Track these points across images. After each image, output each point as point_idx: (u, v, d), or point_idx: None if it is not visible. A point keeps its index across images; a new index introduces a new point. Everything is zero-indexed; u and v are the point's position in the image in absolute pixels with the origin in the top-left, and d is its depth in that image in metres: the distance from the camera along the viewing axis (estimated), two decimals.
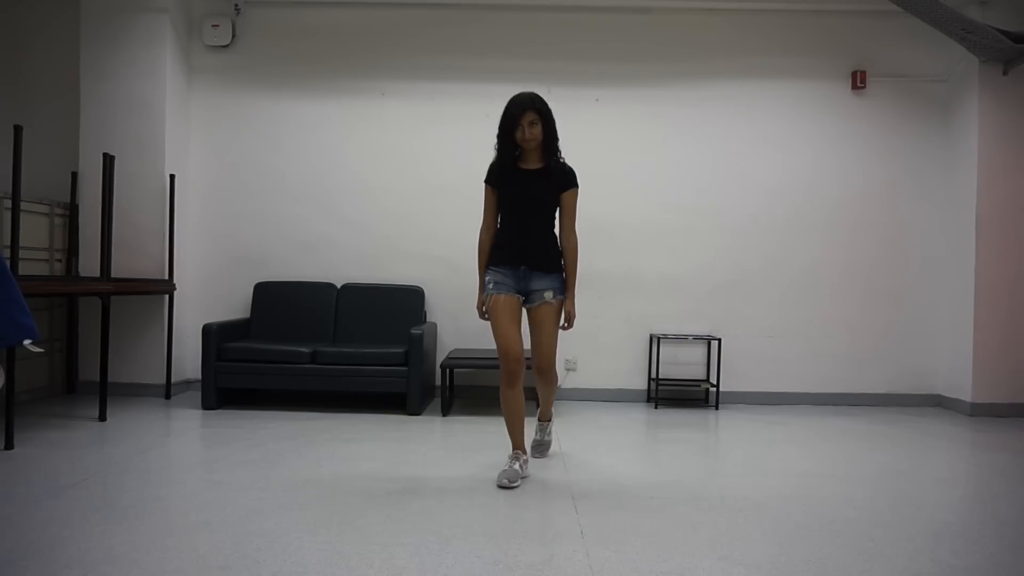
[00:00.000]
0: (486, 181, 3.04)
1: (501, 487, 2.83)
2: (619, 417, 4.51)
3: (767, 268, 5.09)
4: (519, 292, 3.00)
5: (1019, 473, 3.29)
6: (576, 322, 3.12)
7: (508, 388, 2.95)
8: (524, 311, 3.07)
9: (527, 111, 2.87)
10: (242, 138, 5.11)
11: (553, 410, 3.44)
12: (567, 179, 3.01)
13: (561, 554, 2.16)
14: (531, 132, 2.89)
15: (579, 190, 3.04)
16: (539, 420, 3.40)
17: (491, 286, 2.98)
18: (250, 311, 4.95)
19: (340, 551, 2.14)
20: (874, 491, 2.93)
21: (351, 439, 3.69)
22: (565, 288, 3.03)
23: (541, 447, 3.38)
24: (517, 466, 2.95)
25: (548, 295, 2.98)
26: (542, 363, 3.04)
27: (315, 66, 5.09)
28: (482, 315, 3.05)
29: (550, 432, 3.42)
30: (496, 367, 4.37)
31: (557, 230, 3.07)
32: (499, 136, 2.95)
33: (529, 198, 2.96)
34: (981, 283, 4.75)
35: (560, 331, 3.07)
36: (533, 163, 2.99)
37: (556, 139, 2.98)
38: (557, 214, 3.05)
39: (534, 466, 3.18)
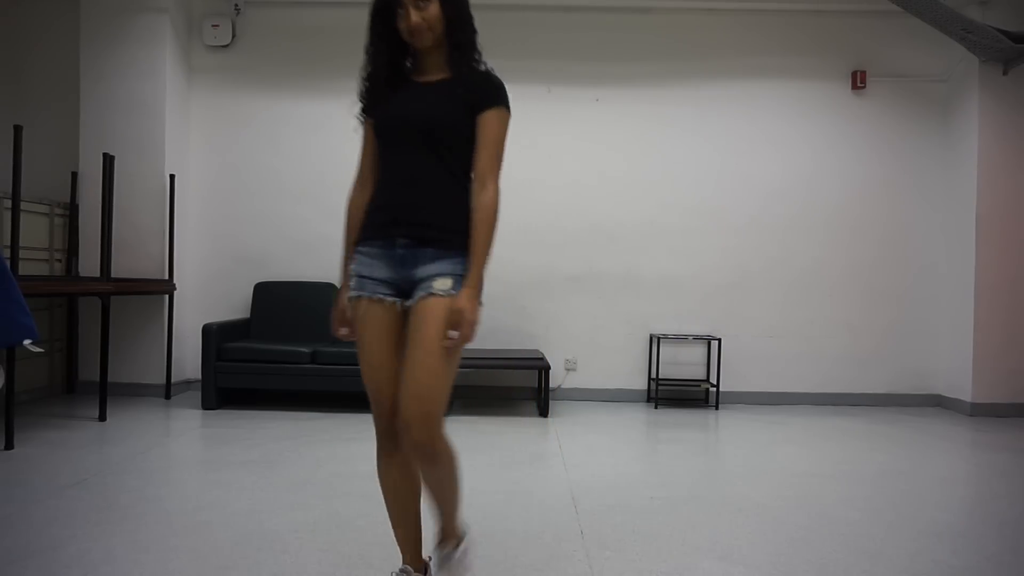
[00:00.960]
0: (362, 111, 1.80)
1: None
2: (619, 417, 4.51)
3: (767, 268, 5.09)
4: (395, 288, 1.70)
5: (1019, 473, 3.29)
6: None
7: (386, 458, 1.73)
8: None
9: None
10: (242, 138, 5.11)
11: (462, 523, 1.87)
12: (488, 93, 1.71)
13: (561, 554, 2.16)
14: (418, 16, 1.65)
15: (510, 116, 1.74)
16: (439, 541, 1.82)
17: (353, 283, 1.72)
18: (250, 311, 4.95)
19: (340, 551, 2.14)
20: (874, 491, 2.93)
21: (351, 439, 3.69)
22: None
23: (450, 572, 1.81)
24: None
25: (440, 284, 1.63)
26: (410, 408, 1.58)
27: (315, 66, 5.09)
28: (337, 330, 1.78)
29: (461, 554, 1.83)
30: (497, 367, 4.42)
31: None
32: (370, 29, 1.74)
33: (417, 122, 1.69)
34: (981, 283, 4.75)
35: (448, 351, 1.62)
36: (434, 73, 1.75)
37: (470, 30, 1.77)
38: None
39: (535, 471, 3.18)
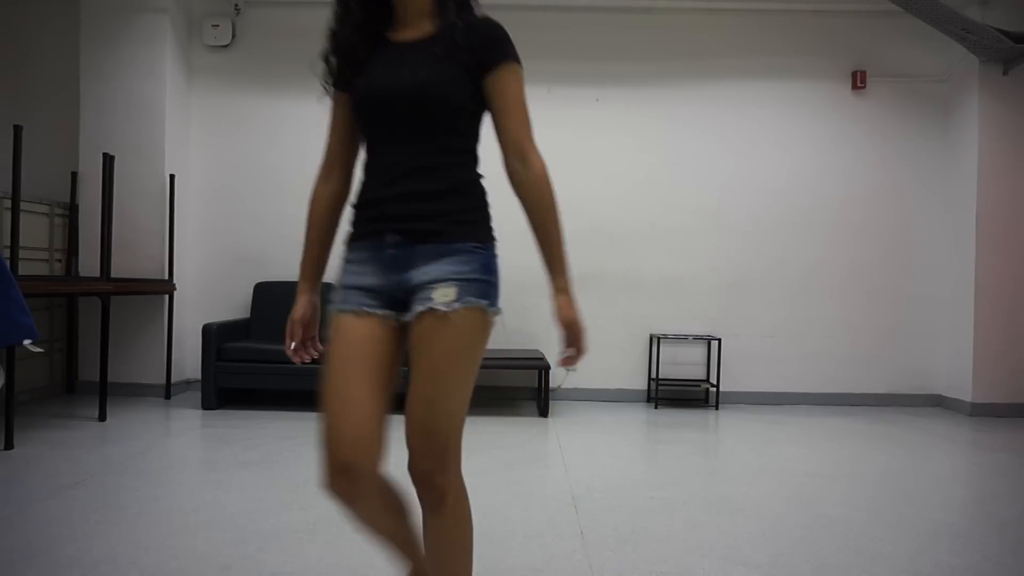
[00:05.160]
0: (332, 83, 1.48)
1: None
2: (619, 417, 4.51)
3: (767, 268, 5.09)
4: (386, 299, 1.38)
5: (1019, 473, 3.29)
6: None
7: (350, 505, 1.33)
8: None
9: None
10: (242, 138, 5.11)
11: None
12: (492, 45, 1.36)
13: (561, 554, 2.16)
14: None
15: (523, 71, 1.40)
16: None
17: (337, 295, 1.43)
18: (250, 311, 4.95)
19: (340, 551, 2.14)
20: (874, 491, 2.93)
21: None
22: (482, 281, 1.35)
23: None
24: None
25: (441, 294, 1.31)
26: (422, 447, 1.32)
27: (315, 66, 5.07)
28: (289, 344, 1.51)
29: None
30: (497, 367, 4.41)
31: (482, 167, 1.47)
32: None
33: (408, 93, 1.33)
34: (981, 283, 4.75)
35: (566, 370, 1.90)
36: (417, 25, 1.40)
37: None
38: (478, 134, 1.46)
39: (535, 471, 3.17)
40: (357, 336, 1.35)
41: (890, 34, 5.04)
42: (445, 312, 1.30)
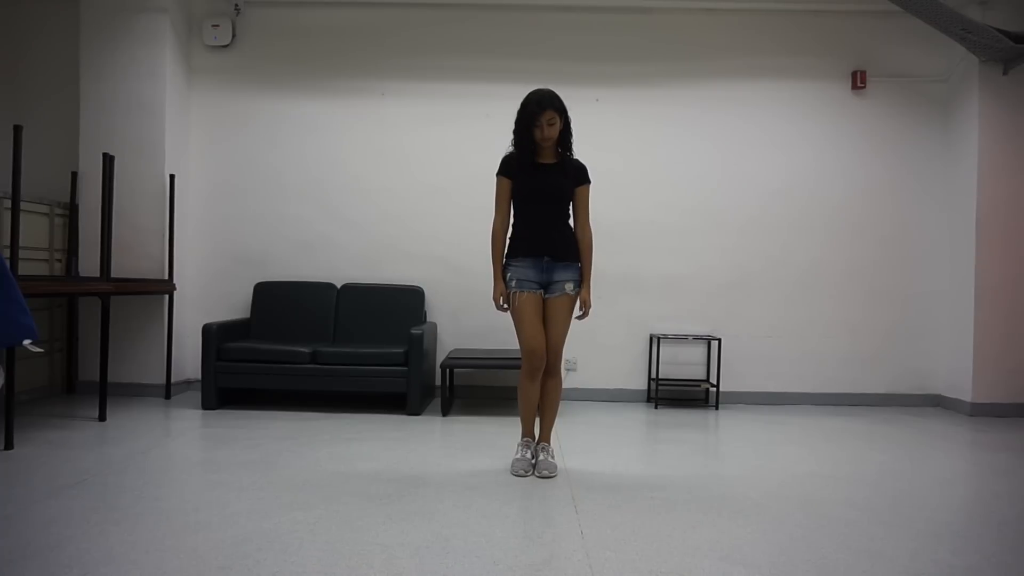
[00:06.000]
0: (499, 173, 3.05)
1: (516, 476, 3.01)
2: (619, 417, 4.51)
3: (767, 268, 5.09)
4: (540, 285, 3.01)
5: (1019, 473, 3.29)
6: (576, 322, 3.12)
7: (529, 382, 3.02)
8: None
9: (546, 110, 2.90)
10: (242, 138, 5.11)
11: (553, 436, 3.30)
12: (581, 175, 3.07)
13: (561, 554, 2.16)
14: (549, 131, 2.92)
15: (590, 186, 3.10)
16: (539, 441, 3.14)
17: (513, 283, 3.00)
18: (250, 311, 4.95)
19: (340, 551, 2.14)
20: (874, 491, 2.93)
21: (351, 439, 3.69)
22: (582, 280, 3.06)
23: (546, 466, 3.04)
24: (529, 454, 3.11)
25: (568, 287, 3.00)
26: (550, 352, 3.01)
27: (315, 66, 5.09)
28: (499, 307, 3.06)
29: (552, 455, 3.14)
30: (497, 367, 4.43)
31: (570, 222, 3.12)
32: (517, 132, 2.98)
33: (549, 190, 3.00)
34: (981, 283, 4.75)
35: (574, 320, 3.08)
36: (548, 158, 3.04)
37: (571, 135, 3.04)
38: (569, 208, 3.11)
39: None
40: (530, 301, 2.99)
41: (890, 34, 5.05)
42: (570, 295, 3.03)
